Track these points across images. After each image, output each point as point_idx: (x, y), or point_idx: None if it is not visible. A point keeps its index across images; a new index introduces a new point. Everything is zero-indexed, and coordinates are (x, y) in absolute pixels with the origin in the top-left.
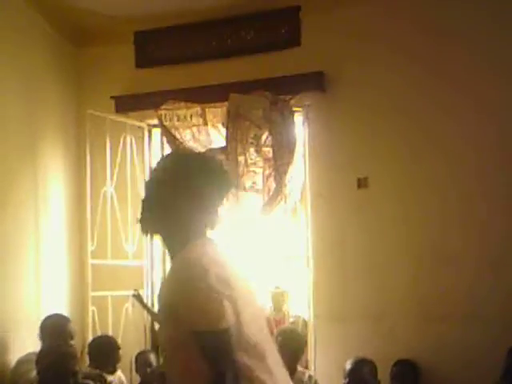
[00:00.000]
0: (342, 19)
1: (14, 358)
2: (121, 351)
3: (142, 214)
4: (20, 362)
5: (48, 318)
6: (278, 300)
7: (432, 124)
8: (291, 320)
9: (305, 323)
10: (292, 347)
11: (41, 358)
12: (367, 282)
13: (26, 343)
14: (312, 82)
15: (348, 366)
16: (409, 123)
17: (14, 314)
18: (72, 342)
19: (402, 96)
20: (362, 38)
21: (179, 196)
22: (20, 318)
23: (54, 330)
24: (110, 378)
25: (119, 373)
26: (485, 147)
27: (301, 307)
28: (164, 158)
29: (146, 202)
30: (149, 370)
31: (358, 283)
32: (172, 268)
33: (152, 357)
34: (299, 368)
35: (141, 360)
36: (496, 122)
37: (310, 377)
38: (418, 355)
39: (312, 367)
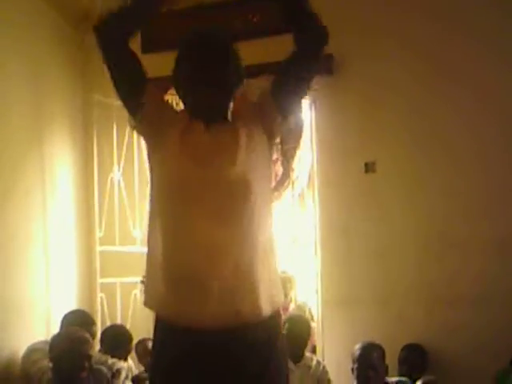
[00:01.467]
0: (348, 1)
1: (22, 345)
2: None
3: None
4: (31, 350)
5: (71, 313)
6: (284, 285)
7: (438, 110)
8: (294, 305)
9: (309, 309)
10: (299, 333)
11: (54, 343)
12: (375, 266)
13: (35, 331)
14: (320, 65)
15: (357, 351)
16: (416, 108)
17: (23, 301)
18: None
19: (411, 80)
20: (368, 20)
21: None
22: (28, 306)
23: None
24: (119, 364)
25: (130, 361)
26: (489, 131)
27: (307, 293)
28: None
29: None
30: (149, 358)
31: (366, 268)
32: None
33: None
34: (307, 353)
35: (140, 348)
36: (499, 112)
37: (318, 362)
38: (426, 339)
39: (320, 353)
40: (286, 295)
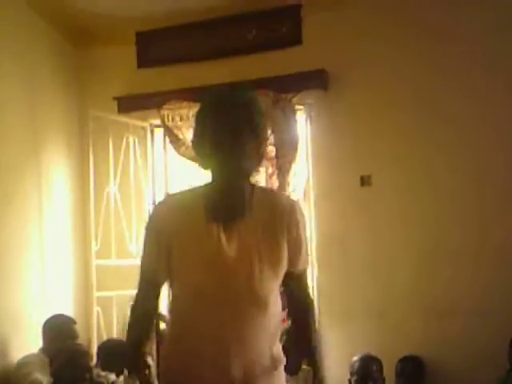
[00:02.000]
0: (343, 17)
1: (16, 358)
2: None
3: None
4: (22, 364)
5: (52, 318)
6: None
7: (435, 123)
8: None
9: None
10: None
11: (55, 355)
12: (371, 279)
13: (30, 344)
14: (314, 80)
15: (356, 363)
16: (412, 121)
17: (18, 314)
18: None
19: (405, 94)
20: (364, 36)
21: None
22: (24, 319)
23: (58, 330)
24: (112, 377)
25: (125, 373)
26: (485, 145)
27: None
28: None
29: None
30: (147, 371)
31: (362, 281)
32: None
33: (149, 358)
34: (304, 366)
35: None
36: (497, 121)
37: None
38: (423, 351)
39: None
40: (283, 307)
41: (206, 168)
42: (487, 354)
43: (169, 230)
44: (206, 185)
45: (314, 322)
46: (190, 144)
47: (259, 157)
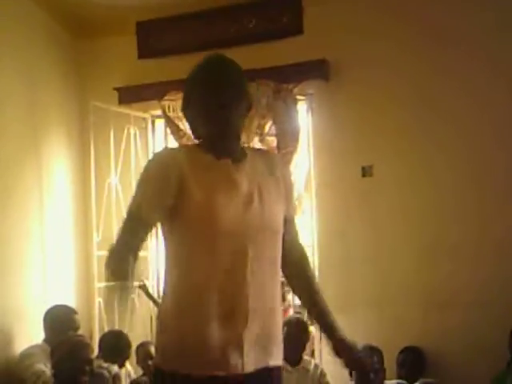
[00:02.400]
0: (344, 7)
1: (19, 350)
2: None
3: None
4: (24, 355)
5: (53, 308)
6: (283, 289)
7: (435, 114)
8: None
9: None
10: (298, 336)
11: (56, 348)
12: (372, 270)
13: (32, 335)
14: (315, 70)
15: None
16: (413, 111)
17: (20, 306)
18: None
19: (406, 85)
20: (365, 26)
21: None
22: (26, 311)
23: (59, 320)
24: (115, 369)
25: (128, 366)
26: (485, 137)
27: None
28: None
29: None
30: (150, 361)
31: (363, 272)
32: None
33: (152, 348)
34: (305, 357)
35: (141, 352)
36: (496, 117)
37: (315, 365)
38: (423, 342)
39: (318, 356)
40: (283, 299)
41: (199, 130)
42: (487, 344)
43: (178, 167)
44: (200, 141)
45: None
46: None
47: (244, 119)
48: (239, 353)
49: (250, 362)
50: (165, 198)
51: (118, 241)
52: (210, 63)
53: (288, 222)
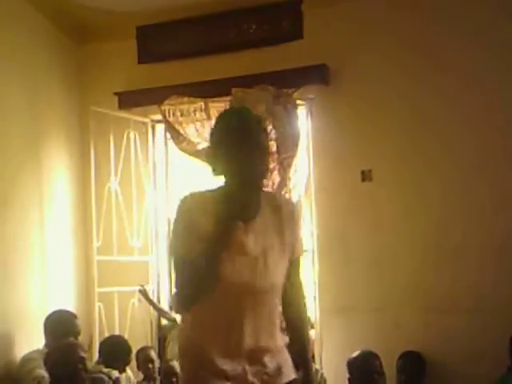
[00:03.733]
0: (344, 11)
1: (20, 355)
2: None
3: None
4: (26, 359)
5: (53, 313)
6: None
7: (436, 116)
8: None
9: (308, 318)
10: None
11: (47, 356)
12: (371, 274)
13: (32, 340)
14: (315, 75)
15: (358, 358)
16: (413, 116)
17: (20, 311)
18: (79, 339)
19: (406, 88)
20: (365, 30)
21: None
22: (26, 315)
23: (60, 326)
24: (116, 374)
25: (128, 371)
26: (488, 138)
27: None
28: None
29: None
30: (150, 365)
31: (363, 276)
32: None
33: (153, 353)
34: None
35: (141, 356)
36: (499, 112)
37: (316, 370)
38: (423, 347)
39: (317, 361)
40: None
41: (219, 172)
42: (488, 350)
43: (199, 222)
44: (222, 187)
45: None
46: (191, 139)
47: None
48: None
49: None
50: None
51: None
52: (240, 116)
53: (292, 265)
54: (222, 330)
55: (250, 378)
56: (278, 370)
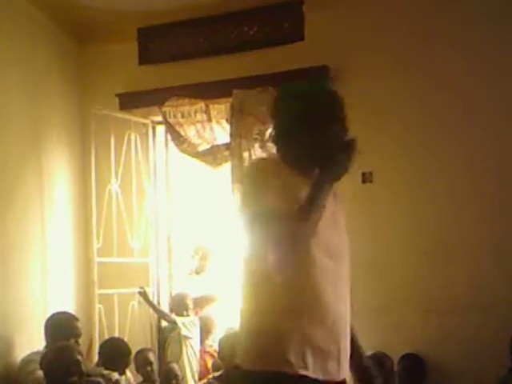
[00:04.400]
0: (346, 13)
1: (20, 356)
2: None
3: None
4: (26, 361)
5: (55, 315)
6: None
7: (439, 118)
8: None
9: None
10: None
11: (43, 357)
12: (371, 276)
13: (33, 342)
14: (316, 77)
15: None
16: (415, 117)
17: (21, 312)
18: (79, 341)
19: (408, 90)
20: (366, 31)
21: None
22: (26, 317)
23: (60, 328)
24: (116, 376)
25: (128, 373)
26: (481, 145)
27: None
28: None
29: None
30: (149, 368)
31: (363, 278)
32: None
33: (151, 355)
34: None
35: (140, 359)
36: (492, 127)
37: None
38: (424, 348)
39: None
40: None
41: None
42: (488, 351)
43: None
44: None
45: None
46: (192, 140)
47: None
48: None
49: (342, 371)
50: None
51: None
52: (326, 96)
53: None
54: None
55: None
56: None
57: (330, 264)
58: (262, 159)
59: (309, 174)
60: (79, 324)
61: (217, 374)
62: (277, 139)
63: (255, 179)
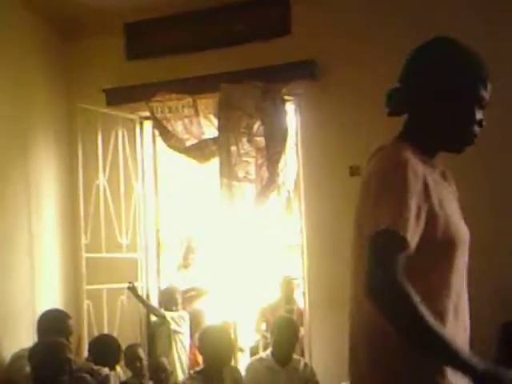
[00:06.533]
0: (332, 7)
1: (8, 353)
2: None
3: None
4: (15, 358)
5: (47, 312)
6: (288, 288)
7: None
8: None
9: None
10: (287, 337)
11: (32, 352)
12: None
13: (21, 338)
14: (303, 71)
15: None
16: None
17: (9, 309)
18: (70, 339)
19: (395, 85)
20: (353, 26)
21: None
22: (14, 314)
23: (52, 325)
24: (105, 371)
25: (118, 368)
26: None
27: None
28: None
29: None
30: (138, 363)
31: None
32: None
33: (140, 350)
34: (295, 356)
35: (129, 354)
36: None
37: (305, 364)
38: None
39: (307, 355)
40: (290, 298)
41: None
42: (477, 342)
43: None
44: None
45: None
46: (179, 136)
47: None
48: None
49: None
50: (420, 224)
51: (404, 293)
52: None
53: None
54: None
55: None
56: None
57: None
58: (405, 151)
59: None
60: (71, 322)
61: (198, 368)
62: (436, 99)
63: (407, 187)
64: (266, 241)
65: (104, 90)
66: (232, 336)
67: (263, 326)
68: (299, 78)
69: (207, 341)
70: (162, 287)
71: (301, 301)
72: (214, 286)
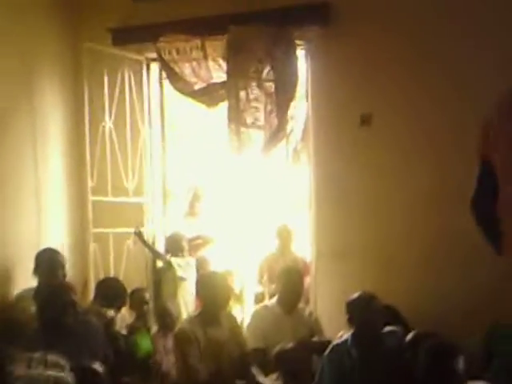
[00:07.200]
0: None
1: (15, 290)
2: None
3: None
4: (19, 298)
5: (41, 250)
6: (285, 236)
7: (443, 58)
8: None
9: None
10: (293, 286)
11: (37, 292)
12: (368, 220)
13: (28, 279)
14: (316, 14)
15: (364, 299)
16: (415, 57)
17: (16, 251)
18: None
19: (410, 29)
20: None
21: None
22: (22, 255)
23: (45, 262)
24: (111, 313)
25: (123, 311)
26: (483, 84)
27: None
28: None
29: None
30: (145, 307)
31: (359, 221)
32: None
33: (146, 294)
34: (300, 304)
35: (135, 297)
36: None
37: (310, 313)
38: (418, 293)
39: (312, 303)
40: (286, 247)
41: None
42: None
43: None
44: None
45: None
46: (187, 79)
47: None
48: None
49: None
50: None
51: None
52: None
53: None
54: None
55: None
56: None
57: None
58: None
59: None
60: (60, 257)
61: (196, 312)
62: None
63: None
64: (272, 191)
65: (110, 30)
66: (229, 282)
67: (265, 277)
68: (311, 23)
69: (203, 286)
70: (168, 234)
71: (303, 250)
72: (220, 234)
